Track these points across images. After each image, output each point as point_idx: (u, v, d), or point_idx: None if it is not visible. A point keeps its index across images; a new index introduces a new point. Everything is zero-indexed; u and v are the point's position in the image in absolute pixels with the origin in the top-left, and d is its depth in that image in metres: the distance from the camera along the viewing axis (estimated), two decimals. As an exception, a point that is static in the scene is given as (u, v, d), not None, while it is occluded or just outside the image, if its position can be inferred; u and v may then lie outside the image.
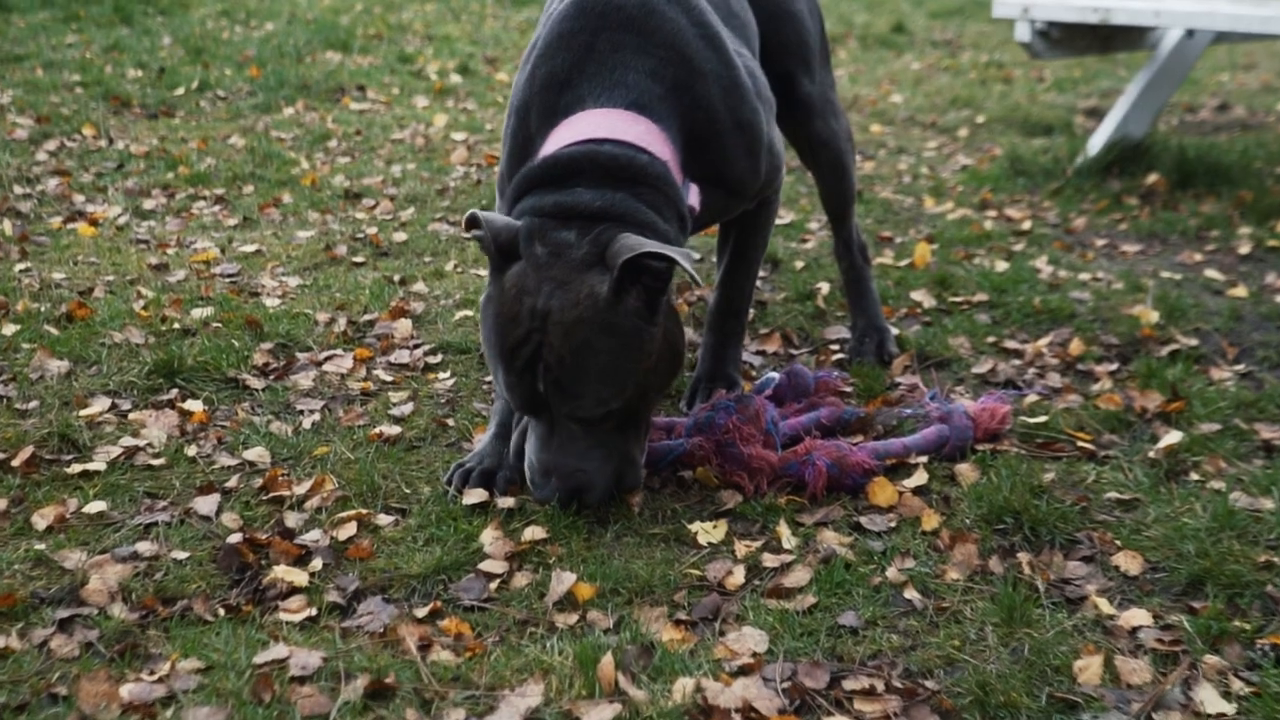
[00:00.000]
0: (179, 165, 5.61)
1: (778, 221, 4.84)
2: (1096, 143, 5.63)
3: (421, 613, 2.33)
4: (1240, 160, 5.50)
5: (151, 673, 2.14)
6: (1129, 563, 2.47)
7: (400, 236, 4.67)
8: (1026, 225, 4.84)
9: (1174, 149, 5.55)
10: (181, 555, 2.50)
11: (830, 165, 3.53)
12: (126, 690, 2.08)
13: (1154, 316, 3.72)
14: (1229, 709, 2.04)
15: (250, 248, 4.50)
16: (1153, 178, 5.31)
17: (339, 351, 3.51)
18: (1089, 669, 2.12)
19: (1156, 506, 2.66)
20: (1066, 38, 5.51)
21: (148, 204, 5.10)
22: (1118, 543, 2.53)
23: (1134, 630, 2.26)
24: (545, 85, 2.74)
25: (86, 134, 6.15)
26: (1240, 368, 3.42)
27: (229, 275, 4.21)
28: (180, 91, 7.08)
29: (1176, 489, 2.73)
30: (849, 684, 2.11)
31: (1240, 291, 4.02)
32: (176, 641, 2.23)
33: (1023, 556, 2.49)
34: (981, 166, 5.91)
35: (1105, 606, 2.32)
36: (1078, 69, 8.61)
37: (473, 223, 2.55)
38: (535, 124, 2.76)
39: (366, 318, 3.78)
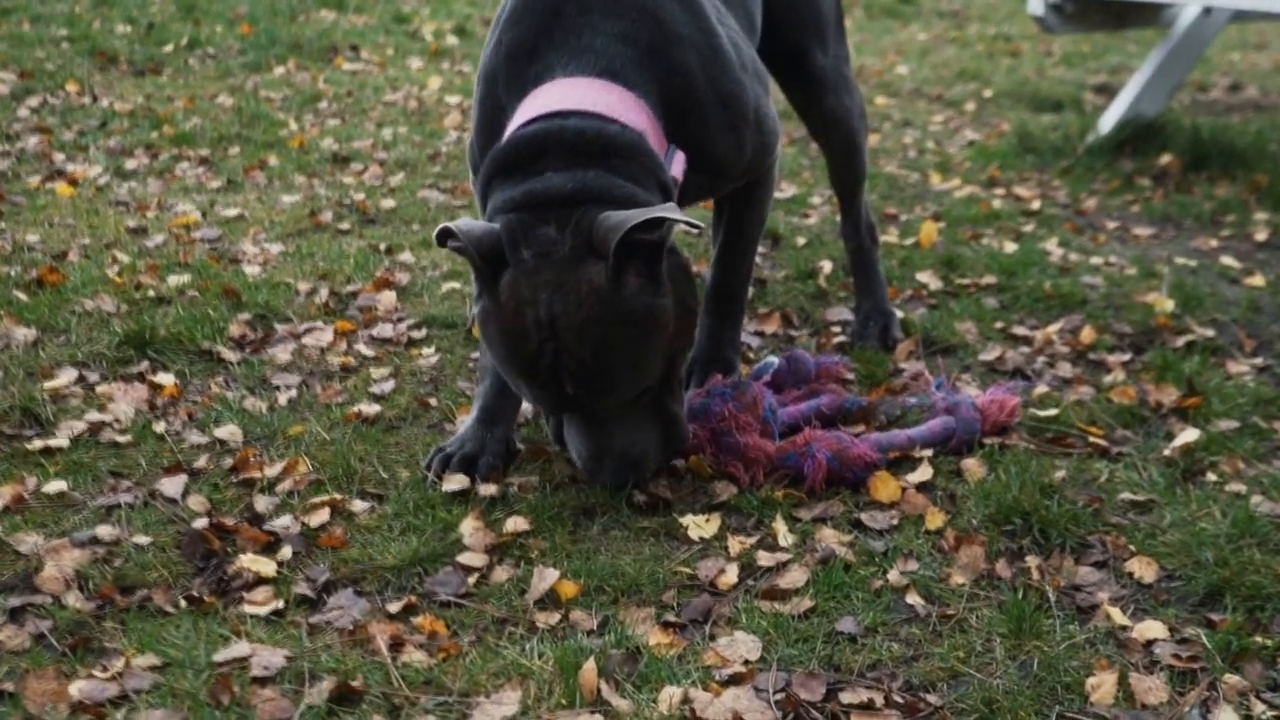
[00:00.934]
0: (164, 125, 5.46)
1: (779, 195, 4.70)
2: (1108, 121, 5.48)
3: (395, 608, 2.19)
4: (1255, 142, 5.35)
5: (105, 669, 2.00)
6: (1144, 570, 2.33)
7: (389, 203, 4.52)
8: (1036, 205, 4.70)
9: (1187, 129, 5.40)
10: (144, 540, 2.37)
11: (842, 144, 3.38)
12: (77, 688, 1.95)
13: (1169, 305, 3.58)
14: (1251, 734, 1.91)
15: (233, 212, 4.35)
16: (1166, 158, 5.16)
17: (319, 324, 3.37)
18: (1102, 687, 1.99)
19: (1172, 509, 2.52)
20: (1080, 12, 5.36)
21: (129, 164, 4.95)
22: (1132, 548, 2.39)
23: (1149, 644, 2.12)
24: (511, 53, 2.58)
25: (70, 90, 5.99)
26: (1259, 361, 3.28)
27: (209, 240, 4.06)
28: (169, 48, 6.92)
29: (1194, 491, 2.59)
30: (846, 697, 1.97)
31: (1258, 280, 3.87)
32: (133, 635, 2.10)
33: (1032, 560, 2.35)
34: (989, 142, 5.76)
35: (1119, 617, 2.18)
36: (1086, 44, 8.45)
37: (448, 235, 2.38)
38: (504, 94, 2.59)
39: (349, 288, 3.64)
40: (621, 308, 2.35)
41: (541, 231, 2.37)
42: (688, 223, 2.33)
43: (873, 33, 8.99)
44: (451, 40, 7.66)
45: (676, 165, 2.57)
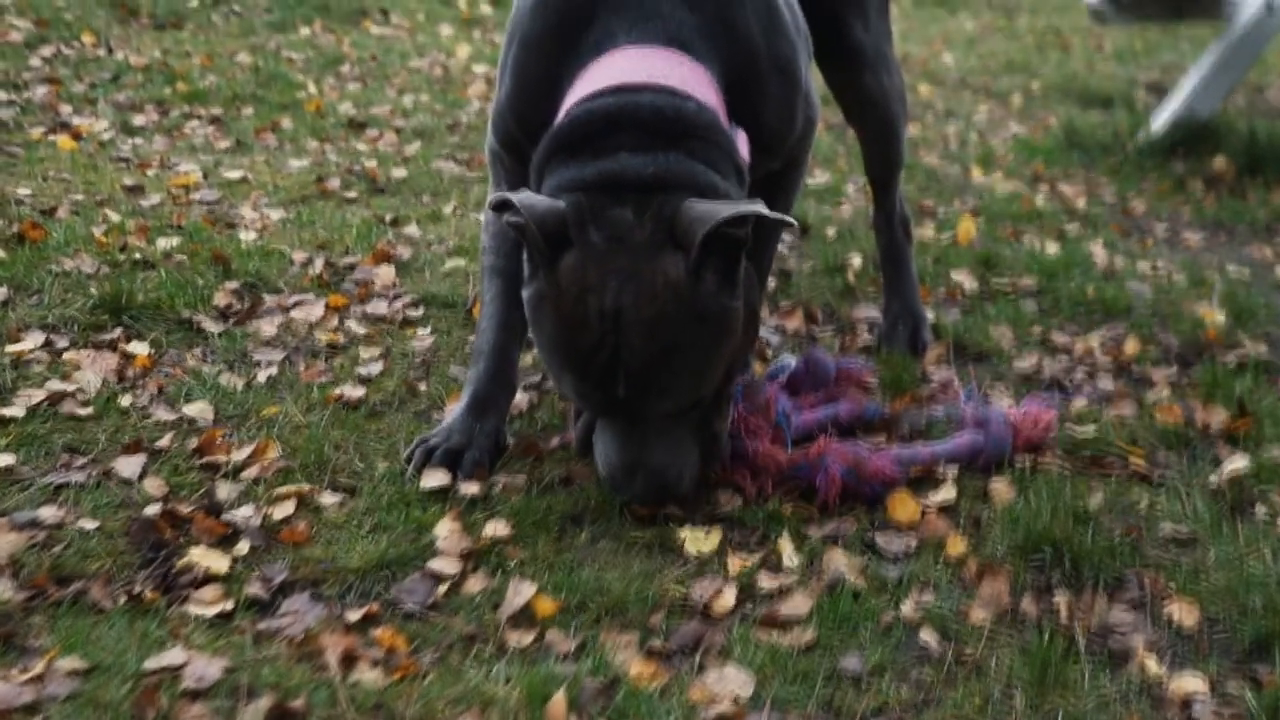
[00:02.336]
0: (178, 81, 5.26)
1: (810, 182, 4.47)
2: (1160, 120, 5.24)
3: (354, 617, 1.98)
4: (1314, 149, 5.09)
5: (23, 670, 1.80)
6: (1184, 614, 2.10)
7: (400, 173, 4.31)
8: (1081, 204, 4.46)
9: (1242, 132, 5.14)
10: (90, 525, 2.16)
11: (878, 127, 3.14)
12: (-12, 692, 1.75)
13: (1220, 318, 3.35)
14: (1302, 817, 1.68)
15: (236, 174, 4.15)
16: (1219, 161, 4.91)
17: (310, 296, 3.16)
18: (1134, 751, 1.77)
19: (1218, 546, 2.29)
20: (1136, 3, 5.13)
21: (138, 120, 4.75)
22: (1172, 588, 2.16)
23: (1186, 701, 1.90)
24: (563, 16, 2.34)
25: (86, 41, 5.78)
26: (1314, 383, 3.04)
27: (207, 202, 3.86)
28: (194, 3, 6.71)
29: (1242, 526, 2.36)
30: (845, 746, 1.76)
31: (1315, 295, 3.64)
32: (60, 633, 1.89)
33: (1060, 598, 2.12)
34: (1035, 137, 5.52)
35: (1154, 667, 1.96)
36: (1139, 40, 8.19)
37: (505, 206, 2.15)
38: (555, 62, 2.36)
39: (347, 260, 3.42)
40: (696, 306, 2.15)
41: (616, 212, 2.16)
42: (784, 220, 2.16)
43: (919, 20, 8.73)
44: (486, 9, 7.44)
45: (742, 145, 2.36)
